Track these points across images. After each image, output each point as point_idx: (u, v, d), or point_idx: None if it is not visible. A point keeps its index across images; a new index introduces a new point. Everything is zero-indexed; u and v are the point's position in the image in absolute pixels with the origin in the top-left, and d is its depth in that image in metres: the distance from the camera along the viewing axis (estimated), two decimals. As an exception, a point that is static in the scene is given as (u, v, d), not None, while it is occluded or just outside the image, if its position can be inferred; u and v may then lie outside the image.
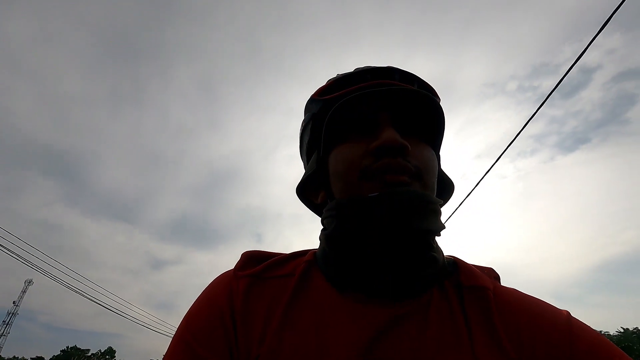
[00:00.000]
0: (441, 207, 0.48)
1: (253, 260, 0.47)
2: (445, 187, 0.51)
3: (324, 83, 0.52)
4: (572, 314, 0.39)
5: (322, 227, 0.49)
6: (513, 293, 0.42)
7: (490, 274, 0.46)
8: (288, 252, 0.50)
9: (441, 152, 0.50)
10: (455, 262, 0.46)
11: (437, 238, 0.45)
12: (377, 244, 0.39)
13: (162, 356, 0.42)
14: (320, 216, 0.51)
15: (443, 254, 0.45)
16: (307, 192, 0.53)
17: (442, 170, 0.50)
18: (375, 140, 0.42)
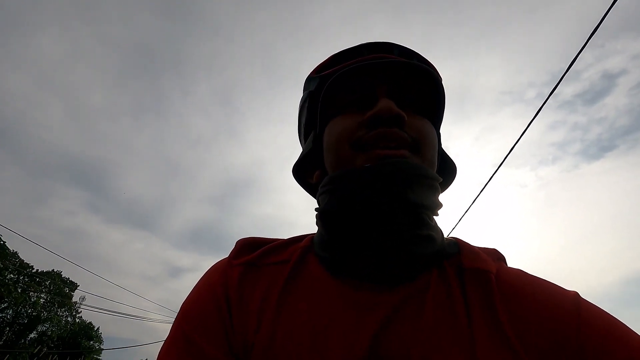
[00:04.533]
0: (441, 185, 0.46)
1: (248, 248, 0.46)
2: (448, 168, 0.49)
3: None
4: None
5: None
6: (518, 275, 0.38)
7: (494, 255, 0.43)
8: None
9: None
10: (456, 243, 0.43)
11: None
12: (369, 217, 0.37)
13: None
14: (315, 197, 0.49)
15: (442, 233, 0.43)
16: (303, 173, 0.51)
17: (443, 149, 0.48)
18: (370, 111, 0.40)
